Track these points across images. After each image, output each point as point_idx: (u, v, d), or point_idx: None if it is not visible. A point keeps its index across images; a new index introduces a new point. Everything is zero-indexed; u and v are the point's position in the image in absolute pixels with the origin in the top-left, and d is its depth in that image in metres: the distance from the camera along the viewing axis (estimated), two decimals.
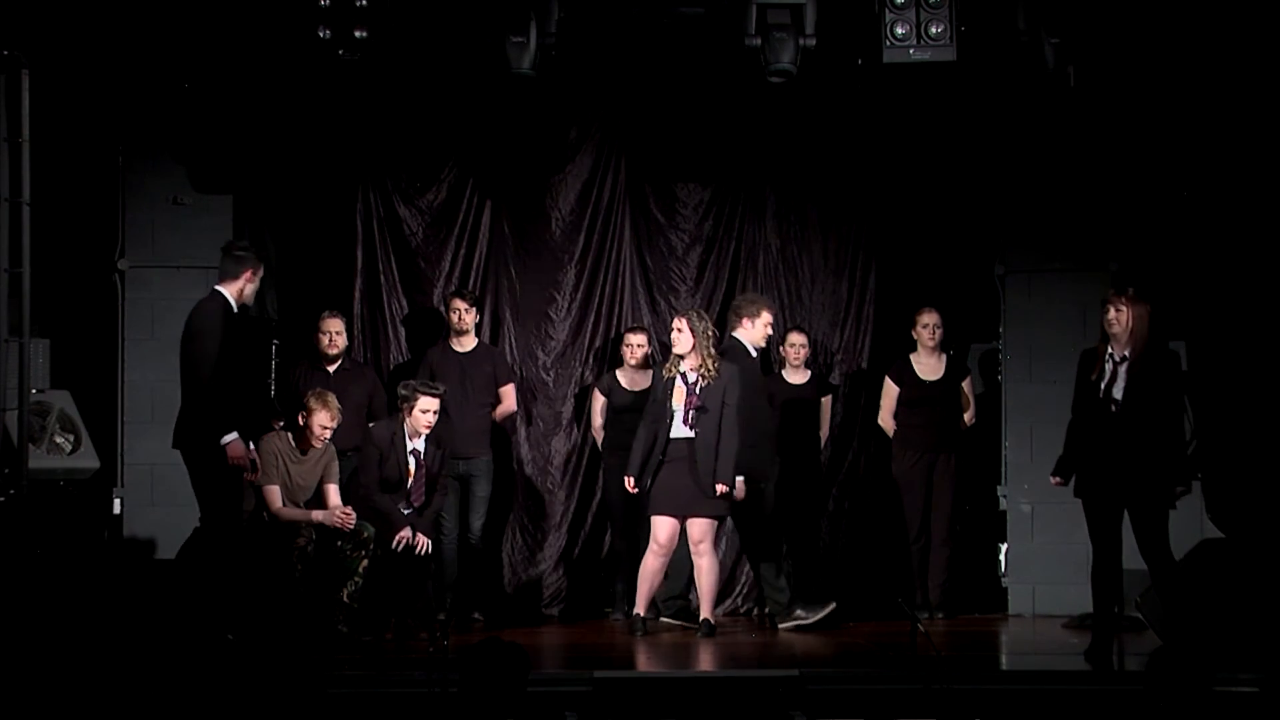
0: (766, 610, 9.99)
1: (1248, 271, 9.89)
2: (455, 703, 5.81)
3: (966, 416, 10.33)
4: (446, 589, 9.75)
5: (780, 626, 9.63)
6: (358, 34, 8.65)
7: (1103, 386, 8.59)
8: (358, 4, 8.62)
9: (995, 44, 8.94)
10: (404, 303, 10.66)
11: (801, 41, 8.79)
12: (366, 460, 9.37)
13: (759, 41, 8.82)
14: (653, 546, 9.50)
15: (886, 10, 8.63)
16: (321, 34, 8.66)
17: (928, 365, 10.28)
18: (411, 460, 9.39)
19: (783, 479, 9.97)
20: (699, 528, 9.41)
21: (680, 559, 9.69)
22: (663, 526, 9.45)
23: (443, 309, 10.40)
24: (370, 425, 9.69)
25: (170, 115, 9.95)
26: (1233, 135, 9.83)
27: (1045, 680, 8.11)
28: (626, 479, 9.62)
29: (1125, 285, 8.96)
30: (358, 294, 10.61)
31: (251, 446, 8.49)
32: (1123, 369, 8.57)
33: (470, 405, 10.08)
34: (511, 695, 5.48)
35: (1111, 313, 8.59)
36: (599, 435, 10.33)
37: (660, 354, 10.16)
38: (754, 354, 9.65)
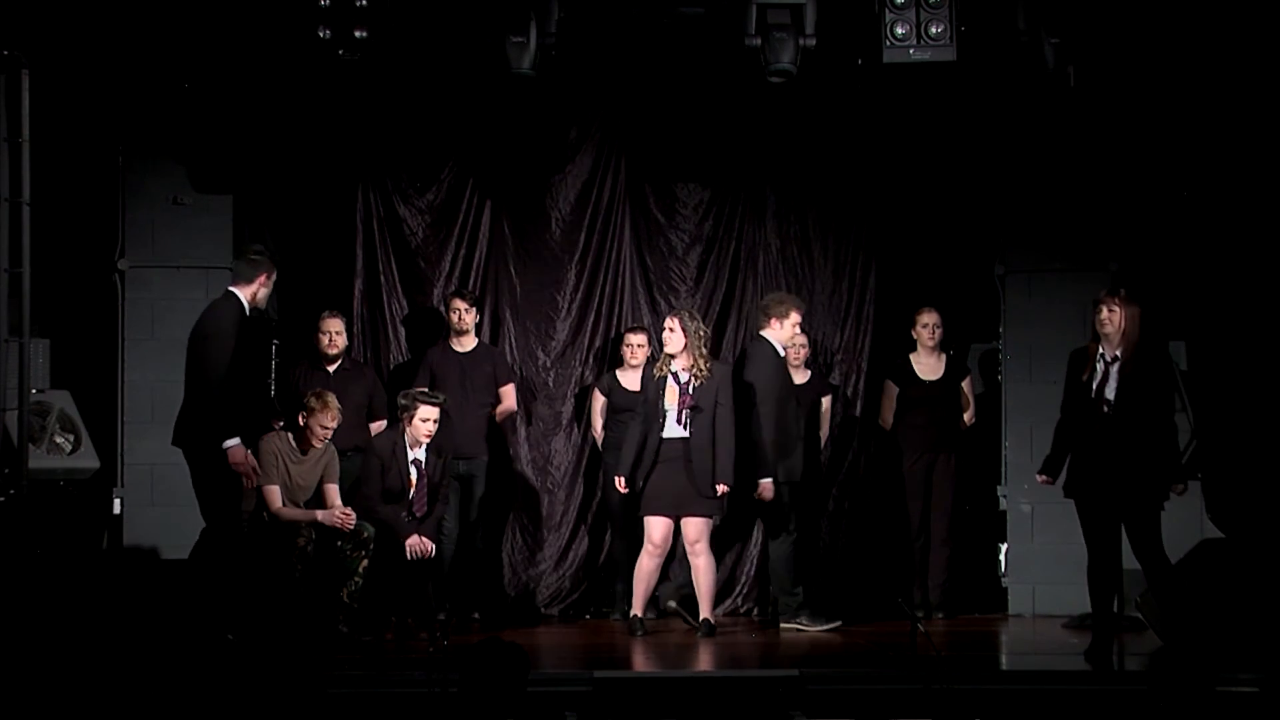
0: (770, 609, 9.97)
1: (1247, 271, 9.90)
2: (455, 703, 5.81)
3: (966, 416, 10.33)
4: (446, 589, 9.75)
5: (782, 625, 9.64)
6: (358, 34, 8.66)
7: (1094, 387, 8.60)
8: (358, 4, 8.62)
9: (995, 44, 8.94)
10: (404, 303, 10.66)
11: (801, 41, 8.79)
12: (369, 471, 9.36)
13: (759, 41, 8.82)
14: (647, 547, 9.51)
15: (886, 10, 8.63)
16: (321, 34, 8.66)
17: (928, 365, 10.28)
18: (413, 470, 9.39)
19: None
20: (695, 527, 9.41)
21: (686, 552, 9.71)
22: (657, 527, 9.45)
23: (443, 309, 10.40)
24: (371, 437, 9.69)
25: (170, 115, 9.95)
26: (1233, 135, 9.84)
27: (1045, 680, 8.11)
28: (617, 478, 9.63)
29: (1117, 286, 8.96)
30: (358, 294, 10.61)
31: (249, 455, 8.48)
32: (1114, 369, 8.58)
33: (470, 405, 10.08)
34: (511, 695, 5.49)
35: (1104, 313, 8.60)
36: (599, 435, 10.33)
37: (660, 354, 10.15)
38: (782, 353, 9.65)
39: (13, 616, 7.90)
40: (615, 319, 10.69)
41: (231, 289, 8.57)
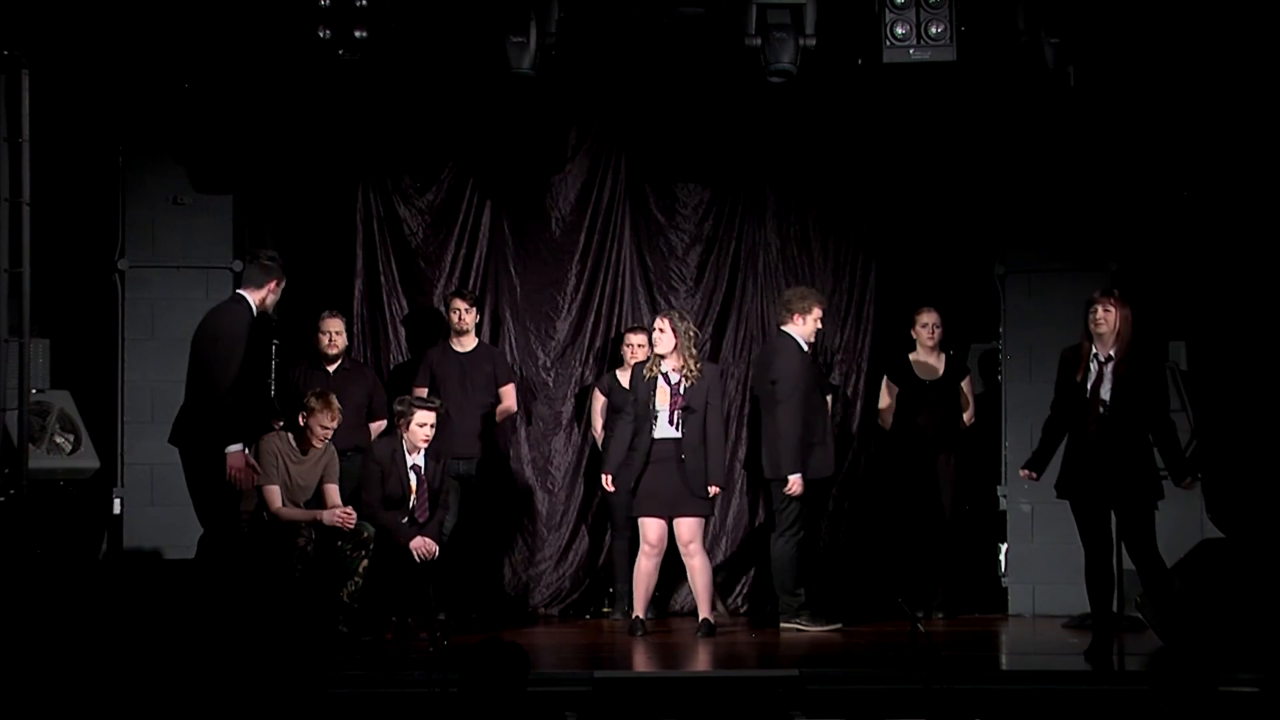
0: (770, 608, 9.97)
1: (1247, 271, 9.90)
2: (455, 703, 5.81)
3: (966, 416, 10.33)
4: (446, 589, 9.74)
5: (782, 625, 9.64)
6: (358, 34, 8.66)
7: (1089, 387, 8.60)
8: (358, 4, 8.63)
9: (995, 44, 8.95)
10: (404, 303, 10.67)
11: (801, 41, 8.79)
12: (368, 478, 9.36)
13: (759, 41, 8.82)
14: (644, 548, 9.51)
15: (886, 10, 8.63)
16: (321, 34, 8.67)
17: (927, 365, 10.28)
18: (413, 476, 9.39)
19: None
20: (688, 528, 9.42)
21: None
22: (652, 527, 9.46)
23: (443, 309, 10.40)
24: (371, 438, 9.68)
25: (170, 115, 9.95)
26: (1233, 135, 9.84)
27: (1045, 680, 8.10)
28: (604, 476, 9.65)
29: (1110, 286, 8.96)
30: (358, 294, 10.61)
31: (249, 459, 8.48)
32: (1108, 369, 8.58)
33: (470, 405, 10.09)
34: (511, 695, 5.49)
35: (1099, 312, 8.60)
36: (599, 435, 10.33)
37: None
38: (805, 348, 9.65)
39: (13, 617, 7.90)
40: (615, 319, 10.69)
41: (241, 292, 8.54)
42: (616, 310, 10.71)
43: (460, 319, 10.12)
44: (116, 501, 9.95)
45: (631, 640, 9.36)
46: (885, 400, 10.38)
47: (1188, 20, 9.25)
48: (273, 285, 8.56)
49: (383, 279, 10.63)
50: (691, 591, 9.73)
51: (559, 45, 8.94)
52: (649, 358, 9.57)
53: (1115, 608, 8.99)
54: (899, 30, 8.64)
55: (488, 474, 10.24)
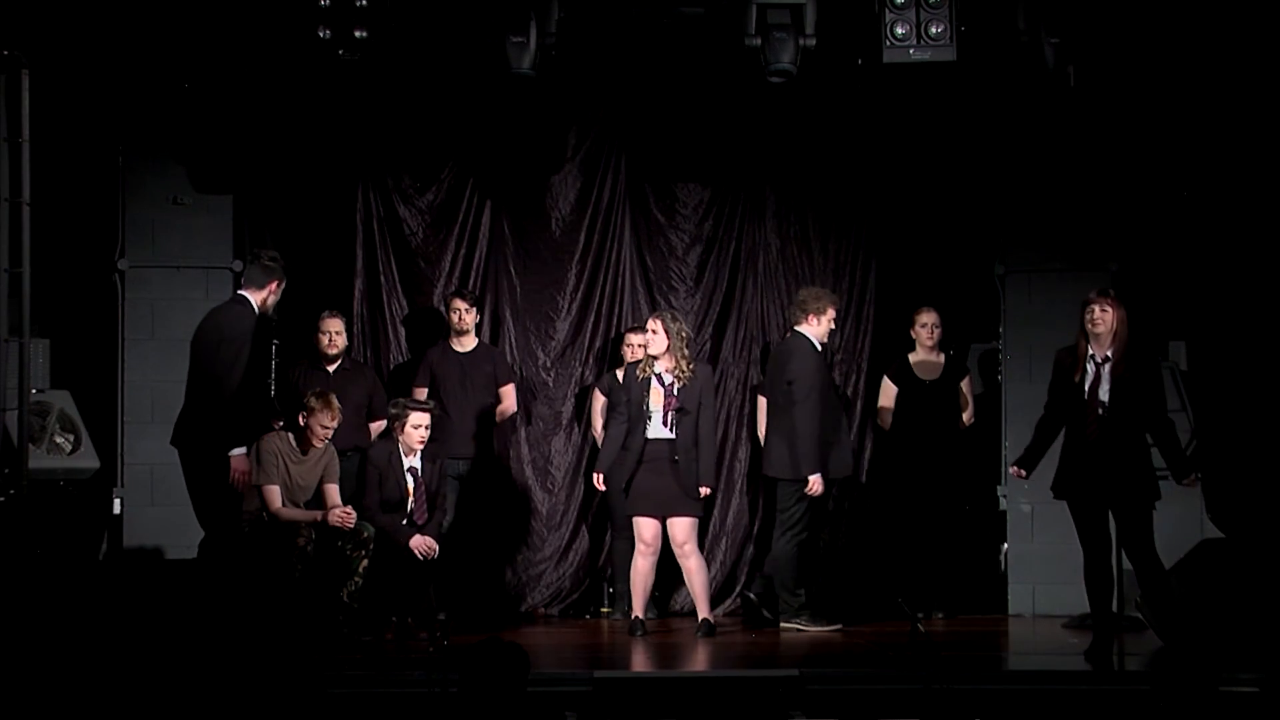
0: (759, 604, 9.97)
1: (1248, 271, 9.90)
2: (455, 703, 5.81)
3: (965, 416, 10.32)
4: (446, 589, 9.74)
5: (782, 625, 9.63)
6: (358, 34, 8.66)
7: (1087, 388, 8.59)
8: (358, 4, 8.63)
9: (995, 44, 8.94)
10: (404, 303, 10.66)
11: (801, 41, 8.79)
12: (366, 482, 9.36)
13: (759, 41, 8.82)
14: (639, 547, 9.52)
15: (886, 10, 8.63)
16: (321, 34, 8.66)
17: (926, 365, 10.27)
18: (410, 479, 9.40)
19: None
20: (682, 529, 9.42)
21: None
22: (646, 526, 9.46)
23: (443, 309, 10.40)
24: (370, 439, 9.68)
25: (170, 115, 9.95)
26: (1233, 135, 9.84)
27: (1045, 680, 8.10)
28: (595, 475, 9.65)
29: (1106, 287, 8.96)
30: (358, 294, 10.61)
31: (249, 462, 8.48)
32: (1106, 370, 8.58)
33: (470, 405, 10.09)
34: (511, 695, 5.48)
35: (1096, 313, 8.59)
36: (599, 435, 10.31)
37: None
38: (819, 348, 9.64)
39: (13, 617, 7.89)
40: (615, 319, 10.69)
41: (243, 293, 8.53)
42: (616, 310, 10.70)
43: (460, 319, 10.12)
44: (116, 501, 9.95)
45: (631, 640, 9.36)
46: (884, 400, 10.38)
47: (1188, 20, 9.24)
48: (274, 286, 8.56)
49: (383, 279, 10.63)
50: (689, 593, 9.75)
51: (559, 45, 8.94)
52: (642, 358, 9.57)
53: (1115, 608, 8.99)
54: (899, 30, 8.63)
55: (488, 474, 10.24)
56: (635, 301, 10.69)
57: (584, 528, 10.63)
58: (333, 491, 9.22)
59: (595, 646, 9.58)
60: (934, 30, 8.63)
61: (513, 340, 10.67)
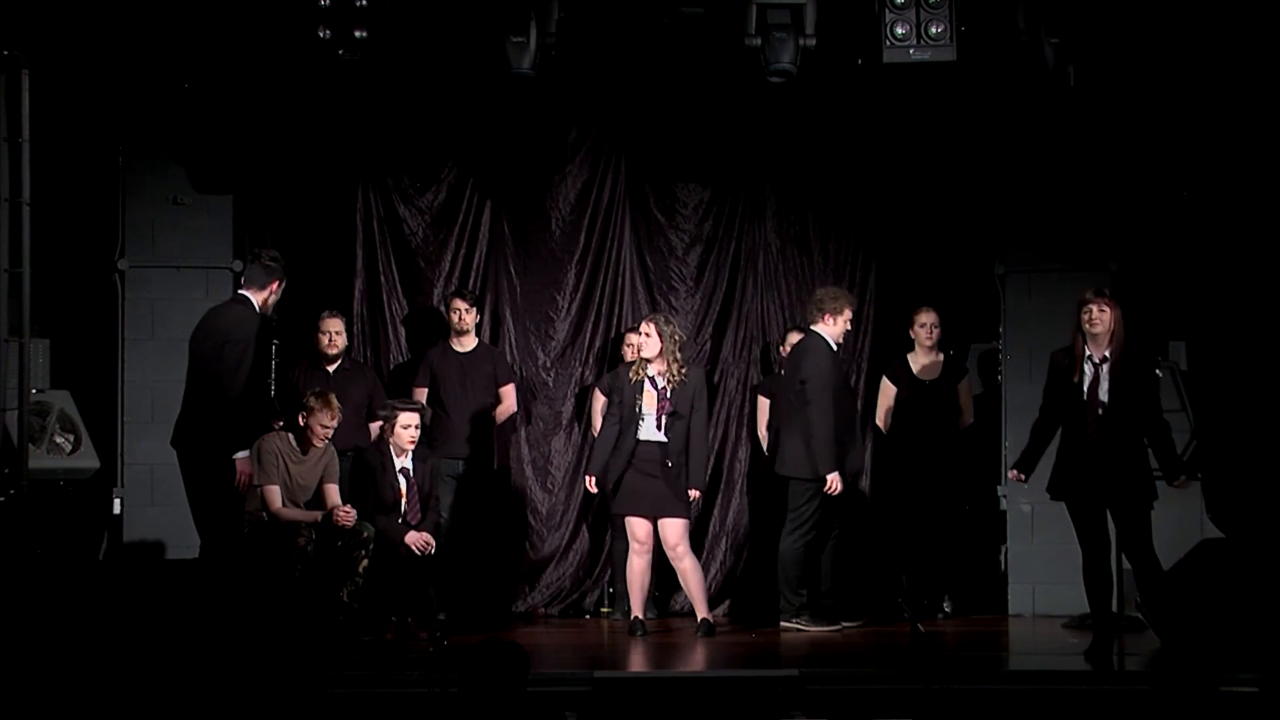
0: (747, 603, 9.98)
1: (1248, 271, 9.90)
2: (455, 703, 5.81)
3: (964, 417, 10.32)
4: (446, 589, 9.74)
5: (782, 625, 9.63)
6: (358, 34, 8.66)
7: (1086, 388, 8.59)
8: (358, 4, 8.62)
9: (995, 44, 8.94)
10: (404, 303, 10.67)
11: (801, 41, 8.79)
12: (360, 484, 9.36)
13: (759, 41, 8.82)
14: (634, 546, 9.52)
15: (886, 10, 8.63)
16: (321, 34, 8.66)
17: (925, 365, 10.27)
18: (402, 479, 9.40)
19: (782, 479, 10.00)
20: (675, 530, 9.42)
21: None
22: (639, 525, 9.47)
23: (443, 309, 10.40)
24: (359, 450, 9.65)
25: (170, 115, 9.95)
26: (1233, 135, 9.84)
27: (1045, 680, 8.10)
28: (588, 478, 9.66)
29: (1102, 286, 8.96)
30: (358, 294, 10.61)
31: (250, 464, 8.48)
32: (1104, 370, 8.58)
33: (470, 405, 10.09)
34: (511, 695, 5.48)
35: (1094, 313, 8.59)
36: None
37: None
38: (835, 348, 9.64)
39: (13, 617, 7.90)
40: (615, 319, 10.69)
41: (245, 294, 8.50)
42: (616, 310, 10.71)
43: (460, 319, 10.12)
44: (116, 501, 9.94)
45: (631, 640, 9.36)
46: (883, 400, 10.37)
47: (1188, 20, 9.24)
48: (275, 286, 8.55)
49: (383, 279, 10.63)
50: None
51: (559, 45, 8.94)
52: (635, 361, 9.58)
53: (1115, 608, 8.99)
54: (899, 30, 8.63)
55: (488, 474, 10.25)
56: (635, 301, 10.69)
57: (584, 528, 10.63)
58: (332, 492, 9.22)
59: (595, 646, 9.58)
60: (934, 30, 8.63)
61: (513, 340, 10.67)
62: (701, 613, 9.49)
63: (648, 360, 9.46)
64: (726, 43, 9.05)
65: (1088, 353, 8.61)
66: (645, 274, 10.73)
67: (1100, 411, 8.54)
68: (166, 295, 10.01)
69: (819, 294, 9.78)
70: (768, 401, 10.36)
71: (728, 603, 10.46)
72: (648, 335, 9.45)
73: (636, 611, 9.55)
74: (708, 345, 10.72)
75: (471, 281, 10.56)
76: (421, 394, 10.13)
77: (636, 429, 9.45)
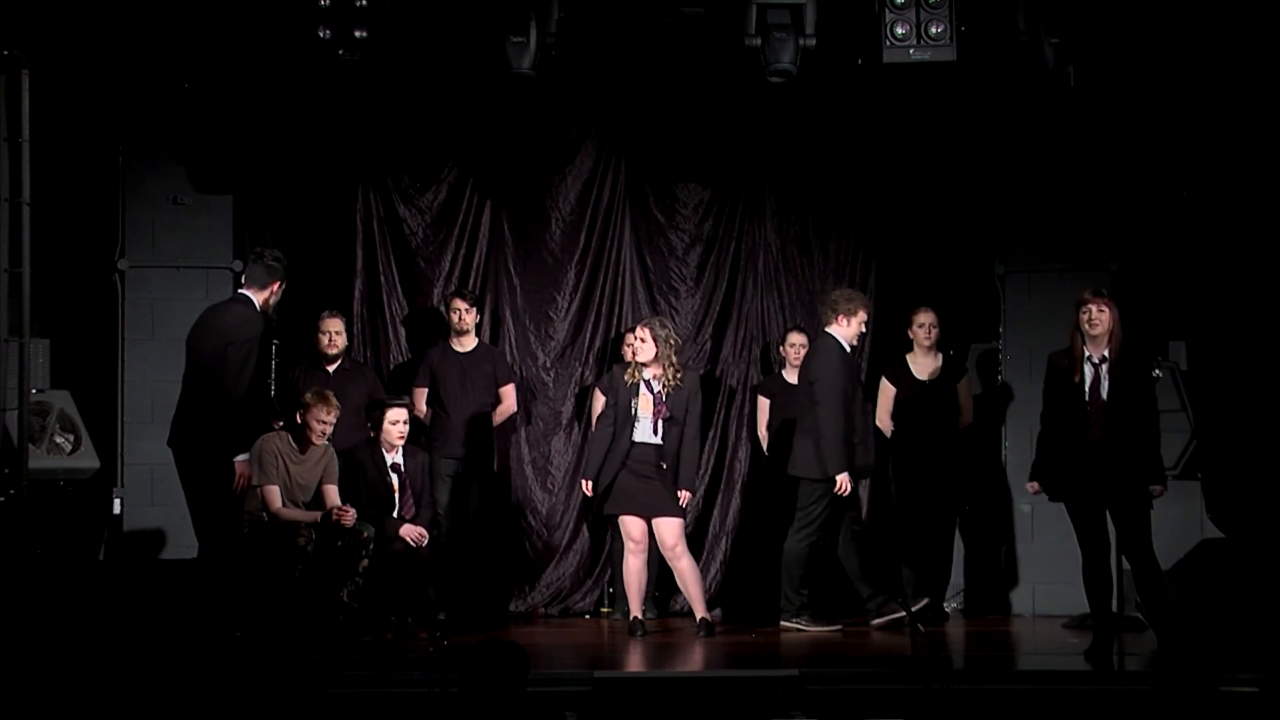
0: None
1: (1248, 272, 9.89)
2: (455, 703, 5.81)
3: (963, 417, 10.31)
4: (446, 589, 9.74)
5: (782, 625, 9.63)
6: (358, 34, 8.65)
7: (1088, 388, 8.58)
8: (358, 4, 8.62)
9: (995, 44, 8.94)
10: (404, 303, 10.67)
11: (801, 41, 8.79)
12: (351, 483, 9.35)
13: (759, 41, 8.82)
14: (629, 545, 9.53)
15: (886, 10, 8.63)
16: (321, 34, 8.66)
17: (924, 365, 10.27)
18: (394, 476, 9.40)
19: (783, 479, 10.02)
20: (672, 530, 9.43)
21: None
22: (633, 525, 9.48)
23: (443, 309, 10.40)
24: (350, 449, 9.64)
25: (170, 115, 9.96)
26: (1233, 135, 9.84)
27: (1045, 680, 8.10)
28: (583, 481, 9.66)
29: (1100, 286, 8.96)
30: (358, 294, 10.61)
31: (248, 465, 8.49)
32: (1104, 369, 8.58)
33: (470, 405, 10.09)
34: (511, 695, 5.48)
35: (1094, 313, 8.59)
36: None
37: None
38: (848, 350, 9.63)
39: (13, 616, 7.90)
40: (615, 319, 10.69)
41: (246, 293, 8.49)
42: (616, 310, 10.71)
43: (460, 319, 10.12)
44: (116, 501, 9.94)
45: (631, 640, 9.36)
46: (883, 400, 10.37)
47: (1188, 20, 9.24)
48: (275, 287, 8.54)
49: (383, 279, 10.63)
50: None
51: (559, 45, 8.94)
52: (629, 363, 9.58)
53: (1115, 608, 8.99)
54: (899, 30, 8.63)
55: (488, 474, 10.24)
56: (635, 301, 10.70)
57: (584, 528, 10.64)
58: (332, 492, 9.22)
59: (595, 646, 9.58)
60: (934, 30, 8.62)
61: (513, 340, 10.67)
62: (700, 613, 9.50)
63: (643, 365, 9.47)
64: (726, 43, 9.05)
65: (1087, 353, 8.61)
66: (645, 274, 10.73)
67: (1103, 411, 8.54)
68: (166, 295, 10.01)
69: (833, 295, 9.77)
70: (768, 401, 10.37)
71: (728, 603, 10.45)
72: (643, 341, 9.46)
73: (635, 611, 9.55)
74: (708, 345, 10.72)
75: (471, 281, 10.56)
76: (421, 394, 10.14)
77: (632, 431, 9.45)
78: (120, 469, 9.97)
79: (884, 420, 10.35)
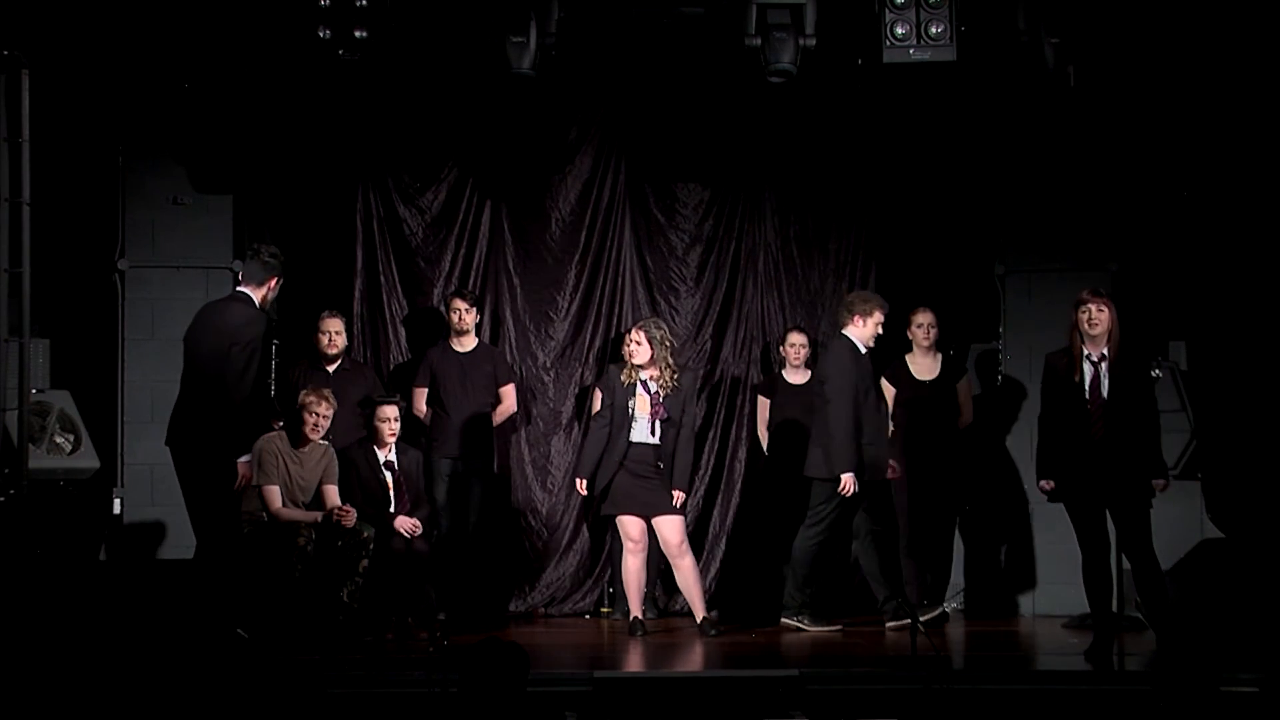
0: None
1: (1248, 272, 9.90)
2: (455, 703, 5.81)
3: (963, 417, 10.31)
4: (446, 589, 9.74)
5: (783, 620, 9.63)
6: (358, 34, 8.65)
7: (1088, 387, 8.59)
8: (358, 4, 8.62)
9: (995, 44, 8.94)
10: (404, 303, 10.67)
11: (801, 41, 8.79)
12: (345, 481, 9.35)
13: (759, 41, 8.82)
14: (628, 545, 9.54)
15: (886, 10, 8.63)
16: (321, 34, 8.66)
17: (923, 365, 10.27)
18: (387, 473, 9.41)
19: (783, 479, 10.02)
20: (674, 528, 9.44)
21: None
22: (632, 525, 9.49)
23: (443, 309, 10.40)
24: (343, 448, 9.64)
25: (170, 115, 9.95)
26: (1233, 135, 9.84)
27: (1045, 680, 8.10)
28: (578, 481, 9.67)
29: (1098, 286, 8.96)
30: (358, 294, 10.61)
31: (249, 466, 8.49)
32: (1104, 368, 8.58)
33: (470, 405, 10.09)
34: (511, 695, 5.48)
35: (1094, 313, 8.60)
36: None
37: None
38: (863, 351, 9.62)
39: (12, 616, 7.89)
40: (615, 319, 10.69)
41: (245, 291, 8.47)
42: (616, 310, 10.71)
43: (460, 319, 10.12)
44: (116, 501, 9.95)
45: (631, 640, 9.36)
46: (882, 401, 10.36)
47: (1187, 20, 9.24)
48: (273, 283, 8.53)
49: (383, 279, 10.63)
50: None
51: (559, 45, 8.94)
52: (625, 364, 9.58)
53: (1115, 608, 8.98)
54: (899, 30, 8.63)
55: (488, 474, 10.24)
56: (635, 301, 10.70)
57: (584, 528, 10.63)
58: (332, 493, 9.22)
59: (595, 646, 9.58)
60: (934, 30, 8.63)
61: (513, 340, 10.67)
62: (700, 613, 9.50)
63: (639, 367, 9.47)
64: (726, 43, 9.05)
65: (1086, 352, 8.62)
66: (645, 274, 10.73)
67: (1103, 410, 8.54)
68: (166, 295, 10.00)
69: (850, 297, 9.79)
70: (768, 401, 10.38)
71: (728, 603, 10.45)
72: (638, 344, 9.47)
73: (635, 611, 9.56)
74: (708, 345, 10.72)
75: (471, 281, 10.56)
76: (421, 394, 10.14)
77: (629, 431, 9.46)
78: (120, 469, 9.97)
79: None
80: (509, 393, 10.28)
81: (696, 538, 10.31)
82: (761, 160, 10.72)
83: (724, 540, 10.63)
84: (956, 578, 10.39)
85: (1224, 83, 9.64)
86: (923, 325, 10.21)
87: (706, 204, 10.76)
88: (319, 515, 9.04)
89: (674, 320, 10.60)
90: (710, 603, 9.87)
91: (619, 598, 10.17)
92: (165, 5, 9.22)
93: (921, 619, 9.31)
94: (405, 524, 9.33)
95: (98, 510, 9.80)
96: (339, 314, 10.12)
